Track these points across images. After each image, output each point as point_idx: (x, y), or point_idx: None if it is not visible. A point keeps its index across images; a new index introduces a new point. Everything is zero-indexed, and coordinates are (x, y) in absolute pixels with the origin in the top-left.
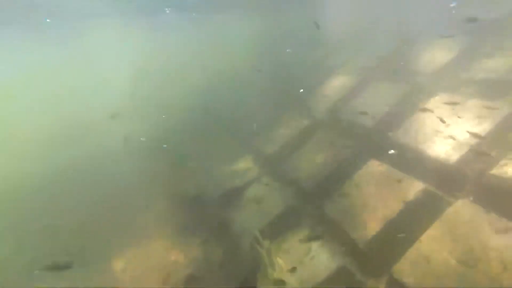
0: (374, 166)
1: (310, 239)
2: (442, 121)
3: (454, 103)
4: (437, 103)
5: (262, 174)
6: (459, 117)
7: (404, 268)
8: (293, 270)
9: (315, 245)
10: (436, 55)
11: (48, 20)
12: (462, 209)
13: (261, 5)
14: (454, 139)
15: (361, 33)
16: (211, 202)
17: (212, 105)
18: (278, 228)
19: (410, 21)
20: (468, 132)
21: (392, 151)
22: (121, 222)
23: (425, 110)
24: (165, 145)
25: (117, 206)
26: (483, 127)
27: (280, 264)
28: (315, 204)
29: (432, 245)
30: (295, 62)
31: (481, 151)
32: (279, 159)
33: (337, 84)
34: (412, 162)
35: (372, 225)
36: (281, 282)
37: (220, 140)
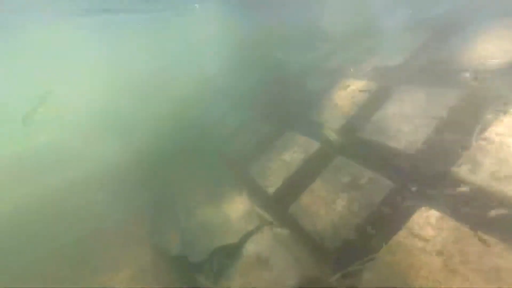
0: (431, 217)
1: None
2: None
3: None
4: None
5: (263, 223)
6: None
7: None
8: None
9: None
10: (495, 44)
11: None
12: None
13: None
14: None
15: (371, 21)
16: (198, 265)
17: (192, 124)
18: None
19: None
20: None
21: None
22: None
23: (500, 130)
24: None
25: (75, 256)
26: None
27: None
28: (344, 272)
29: None
30: (292, 64)
31: None
32: (284, 199)
33: (351, 91)
34: (499, 215)
35: None
36: None
37: (205, 171)
